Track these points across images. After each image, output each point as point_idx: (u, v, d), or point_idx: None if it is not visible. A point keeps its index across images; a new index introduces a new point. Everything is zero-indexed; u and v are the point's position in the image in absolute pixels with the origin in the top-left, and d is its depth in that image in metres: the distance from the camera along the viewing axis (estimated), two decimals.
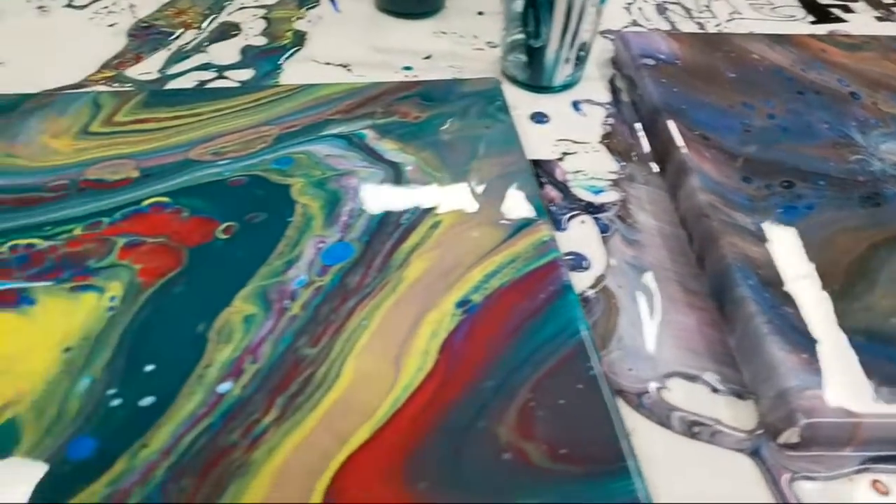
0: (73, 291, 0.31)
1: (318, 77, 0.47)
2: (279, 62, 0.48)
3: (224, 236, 0.33)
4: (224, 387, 0.27)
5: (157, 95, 0.42)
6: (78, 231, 0.33)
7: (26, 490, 0.24)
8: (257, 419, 0.26)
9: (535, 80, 0.46)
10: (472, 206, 0.35)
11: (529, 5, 0.43)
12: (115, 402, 0.27)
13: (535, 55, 0.45)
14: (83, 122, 0.40)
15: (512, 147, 0.39)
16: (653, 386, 0.30)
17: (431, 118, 0.41)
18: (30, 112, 0.40)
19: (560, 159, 0.42)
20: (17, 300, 0.30)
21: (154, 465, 0.25)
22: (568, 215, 0.38)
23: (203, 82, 0.46)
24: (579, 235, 0.37)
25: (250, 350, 0.29)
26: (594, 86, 0.48)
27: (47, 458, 0.25)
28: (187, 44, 0.50)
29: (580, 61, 0.46)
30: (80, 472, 0.25)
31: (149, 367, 0.28)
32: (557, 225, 0.37)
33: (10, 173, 0.36)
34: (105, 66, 0.48)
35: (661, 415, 0.30)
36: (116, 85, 0.46)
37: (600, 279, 0.35)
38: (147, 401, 0.27)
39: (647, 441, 0.28)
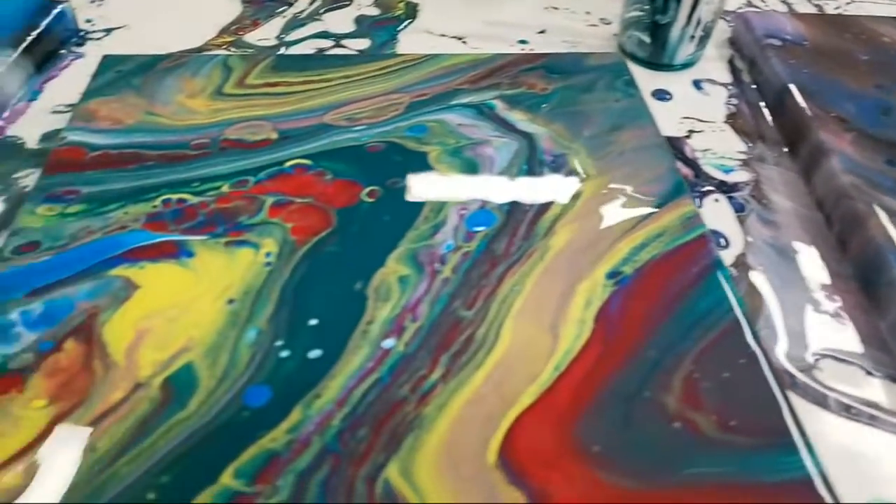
0: (229, 246, 0.31)
1: (434, 48, 0.47)
2: (395, 33, 0.49)
3: (369, 200, 0.34)
4: (388, 343, 0.28)
5: (285, 60, 0.43)
6: (225, 188, 0.34)
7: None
8: (424, 375, 0.27)
9: (656, 57, 0.46)
10: (610, 177, 0.36)
11: None
12: (284, 354, 0.28)
13: (658, 32, 0.45)
14: (216, 83, 0.40)
15: (644, 121, 0.39)
16: (804, 366, 0.30)
17: (559, 90, 0.41)
18: (165, 72, 0.41)
19: (687, 137, 0.42)
20: (177, 252, 0.31)
21: (329, 415, 0.26)
22: (701, 193, 0.38)
23: (321, 50, 0.47)
24: (714, 213, 0.37)
25: (409, 309, 0.29)
26: (713, 66, 0.48)
27: (225, 404, 0.26)
28: (301, 12, 0.51)
29: (703, 40, 0.46)
30: (260, 419, 0.25)
31: (312, 322, 0.29)
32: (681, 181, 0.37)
33: (153, 130, 0.37)
34: (224, 31, 0.49)
35: (815, 395, 0.29)
36: (234, 49, 0.47)
37: (741, 258, 0.35)
38: (315, 353, 0.28)
39: (804, 420, 0.28)
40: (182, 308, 0.29)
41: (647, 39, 0.46)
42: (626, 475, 0.24)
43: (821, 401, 0.29)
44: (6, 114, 0.41)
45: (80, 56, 0.46)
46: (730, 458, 0.25)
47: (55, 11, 0.46)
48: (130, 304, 0.29)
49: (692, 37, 0.45)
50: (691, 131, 0.42)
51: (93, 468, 0.24)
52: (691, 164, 0.40)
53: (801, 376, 0.30)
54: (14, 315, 0.28)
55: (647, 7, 0.44)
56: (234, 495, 0.23)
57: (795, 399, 0.29)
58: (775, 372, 0.29)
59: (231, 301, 0.29)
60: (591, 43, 0.49)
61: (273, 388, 0.26)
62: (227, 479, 0.24)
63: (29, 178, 0.37)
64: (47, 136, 0.40)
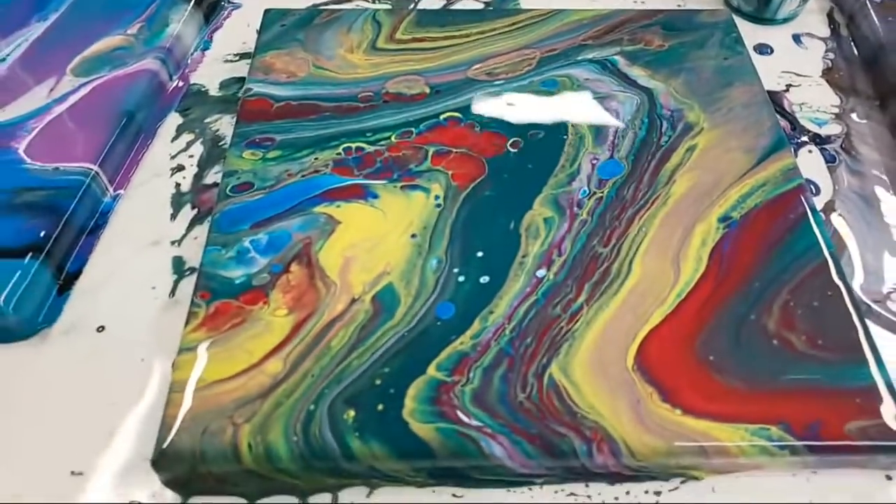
0: (405, 190, 0.40)
1: (555, 1, 0.54)
2: None
3: (513, 150, 0.42)
4: (541, 272, 0.36)
5: (426, 15, 0.50)
6: (394, 138, 0.42)
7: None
8: (572, 299, 0.35)
9: (760, 11, 0.52)
10: (722, 132, 0.42)
11: None
12: (461, 279, 0.36)
13: None
14: (370, 38, 0.48)
15: (751, 78, 0.45)
16: (879, 297, 0.38)
17: (674, 47, 0.47)
18: (323, 27, 0.49)
19: (786, 91, 0.48)
20: (364, 195, 0.39)
21: (501, 327, 0.34)
22: (797, 144, 0.45)
23: (449, 1, 0.54)
24: (807, 163, 0.44)
25: (555, 245, 0.37)
26: (813, 19, 0.53)
27: (422, 316, 0.35)
28: None
29: None
30: (450, 328, 0.34)
31: (479, 254, 0.37)
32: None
33: (323, 83, 0.45)
34: None
35: (886, 322, 0.37)
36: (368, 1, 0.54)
37: (830, 204, 0.42)
38: (484, 279, 0.36)
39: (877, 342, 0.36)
40: (376, 241, 0.38)
41: None
42: (737, 378, 0.33)
43: (890, 325, 0.37)
44: (188, 63, 0.50)
45: (237, 6, 0.54)
46: (817, 368, 0.33)
47: None
48: (335, 236, 0.38)
49: None
50: (789, 85, 0.48)
51: (332, 361, 0.33)
52: (789, 117, 0.46)
53: (875, 307, 0.38)
54: (247, 243, 0.37)
55: None
56: (439, 383, 0.33)
57: (870, 325, 0.37)
58: (854, 302, 0.37)
59: (414, 236, 0.38)
60: None
61: (456, 305, 0.35)
62: (433, 371, 0.33)
63: (217, 123, 0.46)
64: (225, 84, 0.48)
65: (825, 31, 0.52)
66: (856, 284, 0.38)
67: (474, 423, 0.32)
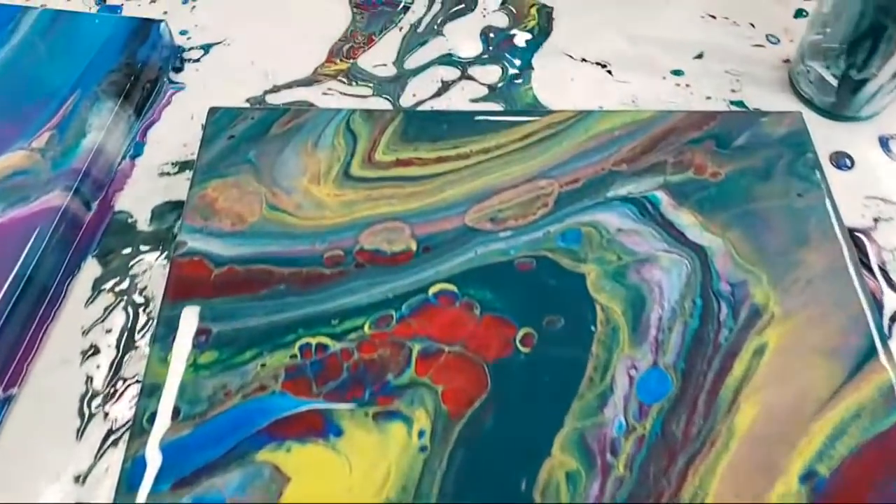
0: (378, 421, 0.27)
1: (574, 79, 0.39)
2: (529, 58, 0.40)
3: (524, 350, 0.29)
4: None
5: (414, 122, 0.35)
6: (367, 328, 0.29)
7: None
8: None
9: (840, 108, 0.37)
10: (797, 322, 0.30)
11: (867, 35, 0.33)
12: None
13: (847, 82, 0.36)
14: (341, 158, 0.34)
15: (831, 228, 0.32)
16: None
17: (732, 176, 0.33)
18: (282, 140, 0.35)
19: (872, 227, 0.34)
20: (324, 429, 0.27)
21: None
22: (889, 317, 0.32)
23: (447, 84, 0.39)
24: None
25: None
26: None
27: None
28: (419, 22, 0.42)
29: None
30: None
31: None
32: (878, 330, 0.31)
33: (280, 236, 0.32)
34: (335, 53, 0.41)
35: None
36: (346, 81, 0.40)
37: None
38: None
39: None
40: None
41: (832, 78, 0.37)
42: None
43: None
44: (113, 177, 0.36)
45: (180, 87, 0.40)
46: None
47: (152, 34, 0.39)
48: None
49: (890, 91, 0.36)
50: (877, 219, 0.35)
51: None
52: (877, 273, 0.33)
53: None
54: None
55: (839, 57, 0.35)
56: None
57: None
58: None
59: None
60: (757, 74, 0.40)
61: None
62: None
63: (146, 277, 0.33)
64: (157, 214, 0.35)
65: None
66: None
67: None
